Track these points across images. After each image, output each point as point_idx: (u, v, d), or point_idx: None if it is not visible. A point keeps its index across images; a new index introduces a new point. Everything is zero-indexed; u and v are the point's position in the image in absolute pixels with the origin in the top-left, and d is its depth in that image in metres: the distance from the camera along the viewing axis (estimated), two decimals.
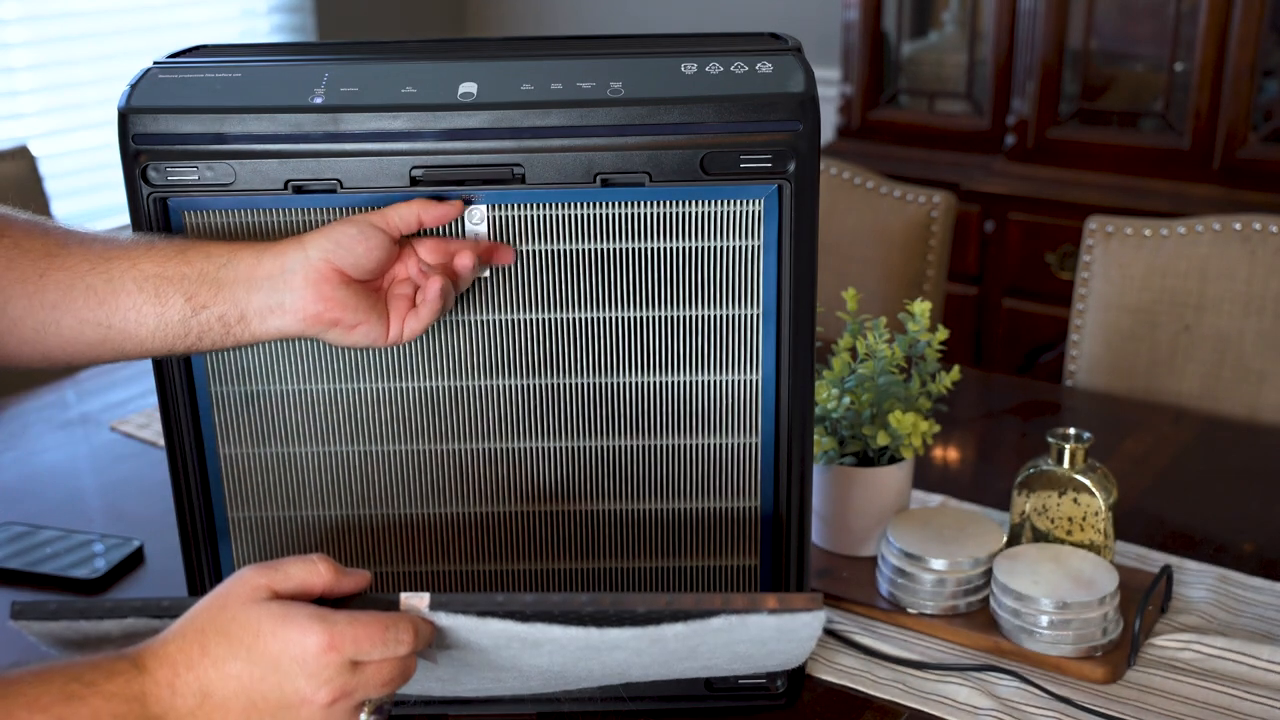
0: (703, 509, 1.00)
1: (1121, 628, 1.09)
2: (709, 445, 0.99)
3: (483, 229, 0.93)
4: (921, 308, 1.22)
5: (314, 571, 0.73)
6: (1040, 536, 1.18)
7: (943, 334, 1.22)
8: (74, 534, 1.30)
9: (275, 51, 0.97)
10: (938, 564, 1.12)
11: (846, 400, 1.21)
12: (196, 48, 1.02)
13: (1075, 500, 1.15)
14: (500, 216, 0.93)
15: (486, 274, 0.94)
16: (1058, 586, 1.08)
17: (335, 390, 0.98)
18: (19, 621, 0.77)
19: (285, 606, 0.71)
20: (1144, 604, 1.09)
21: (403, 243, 0.90)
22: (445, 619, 0.74)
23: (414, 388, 0.97)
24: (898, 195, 2.06)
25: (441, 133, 0.90)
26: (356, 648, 0.70)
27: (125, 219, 0.94)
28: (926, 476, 1.42)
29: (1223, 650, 1.09)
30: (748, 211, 0.92)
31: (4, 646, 1.14)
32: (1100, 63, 2.56)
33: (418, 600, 0.74)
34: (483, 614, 0.74)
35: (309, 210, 0.93)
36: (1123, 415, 1.64)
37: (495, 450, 0.99)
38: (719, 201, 0.92)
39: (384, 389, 0.97)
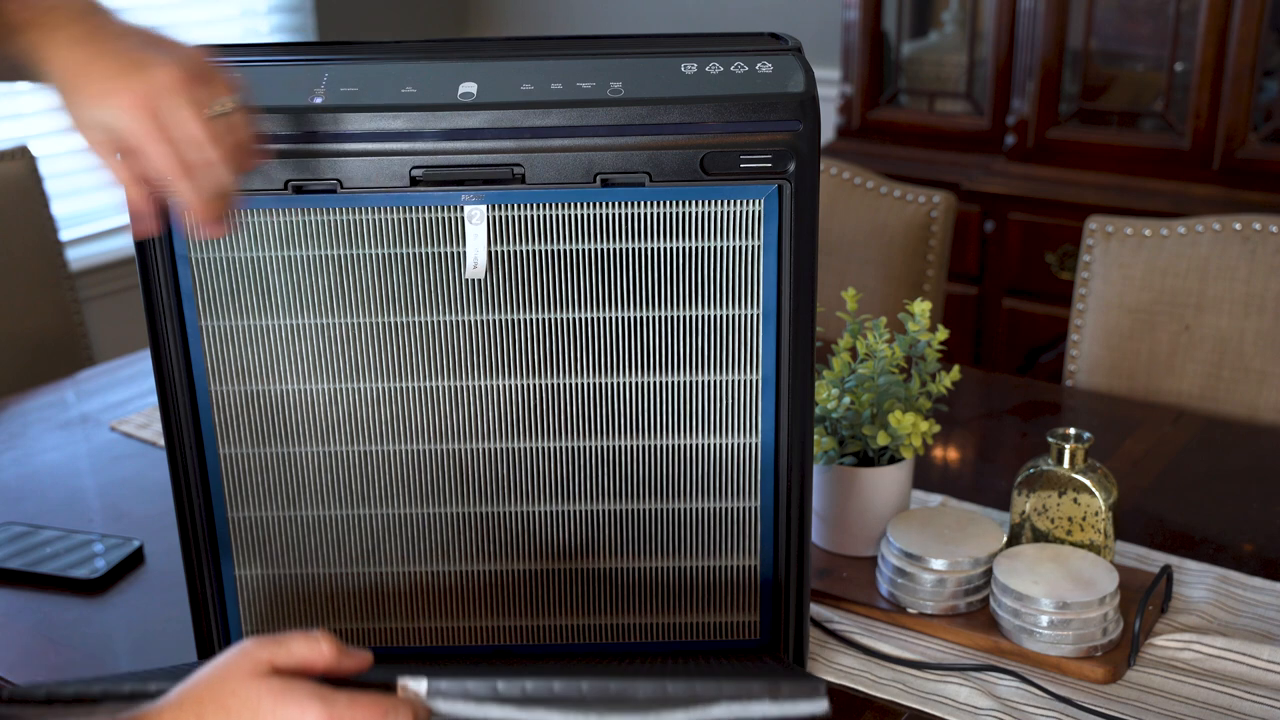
0: (703, 509, 1.00)
1: (1121, 628, 1.09)
2: (709, 445, 0.99)
3: (482, 229, 0.93)
4: (921, 308, 1.22)
5: (316, 650, 0.72)
6: (1040, 536, 1.18)
7: (943, 334, 1.22)
8: (74, 534, 1.30)
9: (275, 51, 0.97)
10: (938, 564, 1.12)
11: (846, 400, 1.21)
12: None
13: (1075, 500, 1.15)
14: (500, 216, 0.93)
15: (482, 275, 0.94)
16: (1058, 586, 1.08)
17: (335, 390, 0.98)
18: (8, 708, 0.76)
19: (286, 683, 0.70)
20: (1144, 604, 1.09)
21: None
22: (444, 706, 0.74)
23: (414, 388, 0.97)
24: (898, 195, 2.06)
25: (441, 133, 0.90)
26: None
27: (125, 219, 0.94)
28: (926, 476, 1.42)
29: (1223, 650, 1.09)
30: (748, 211, 0.92)
31: (4, 646, 1.14)
32: (1100, 63, 2.56)
33: (415, 685, 0.74)
34: (481, 700, 0.73)
35: (309, 210, 0.93)
36: (1123, 415, 1.64)
37: (495, 450, 0.99)
38: (719, 201, 0.92)
39: (384, 389, 0.98)
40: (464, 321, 0.96)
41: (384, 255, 0.94)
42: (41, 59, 0.81)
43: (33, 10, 0.81)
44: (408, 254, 0.94)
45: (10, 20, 0.81)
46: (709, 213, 0.92)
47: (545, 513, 1.01)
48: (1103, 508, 1.15)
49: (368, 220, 0.93)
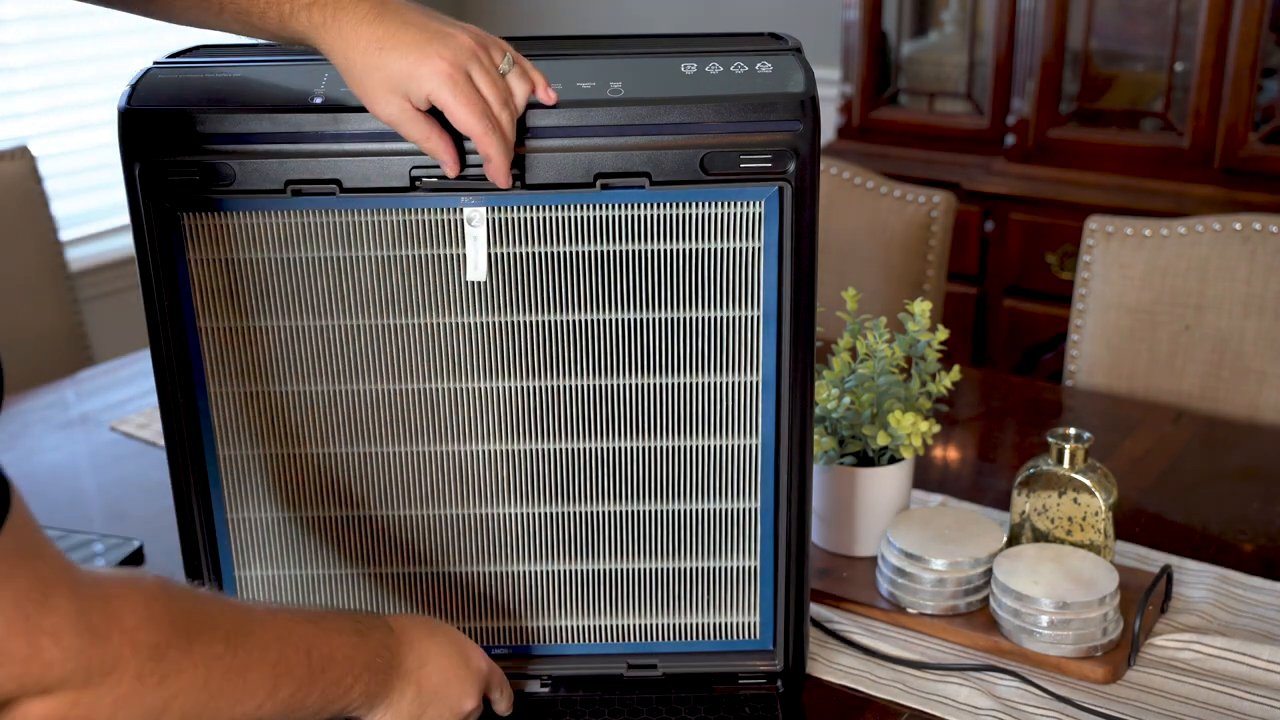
0: (703, 510, 1.00)
1: (1121, 628, 1.09)
2: (709, 446, 0.99)
3: (482, 231, 0.93)
4: (921, 308, 1.22)
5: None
6: (1040, 536, 1.18)
7: (943, 334, 1.22)
8: (74, 534, 1.30)
9: (275, 51, 0.97)
10: (938, 564, 1.12)
11: (846, 400, 1.21)
12: (196, 48, 1.02)
13: (1075, 500, 1.15)
14: (500, 219, 0.93)
15: (484, 278, 0.94)
16: (1058, 586, 1.08)
17: (336, 391, 0.98)
18: None
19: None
20: (1144, 604, 1.09)
21: None
22: None
23: (414, 389, 0.97)
24: (898, 195, 2.06)
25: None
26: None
27: (125, 219, 0.94)
28: (926, 476, 1.42)
29: (1223, 650, 1.09)
30: (748, 213, 0.92)
31: None
32: (1100, 63, 2.55)
33: None
34: None
35: (309, 212, 0.93)
36: (1123, 415, 1.64)
37: (495, 452, 0.99)
38: (719, 203, 0.92)
39: (384, 390, 0.97)
40: (464, 324, 0.96)
41: (384, 257, 0.94)
42: (330, 38, 0.86)
43: None
44: (408, 256, 0.94)
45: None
46: (709, 215, 0.92)
47: (546, 514, 1.01)
48: (1103, 508, 1.15)
49: (368, 222, 0.93)
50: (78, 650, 0.63)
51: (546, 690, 1.04)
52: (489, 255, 0.94)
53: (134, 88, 0.93)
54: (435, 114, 0.87)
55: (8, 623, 0.61)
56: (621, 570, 1.02)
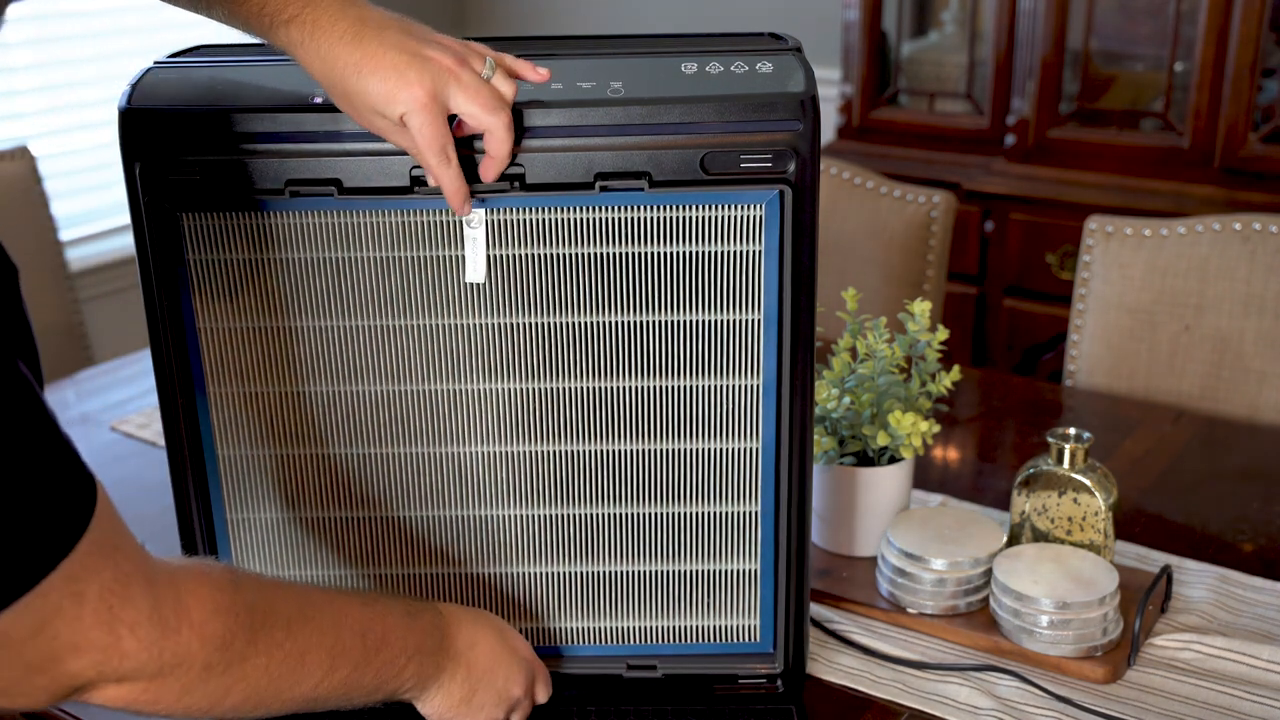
0: (703, 513, 1.00)
1: (1121, 628, 1.09)
2: (709, 450, 0.98)
3: (481, 233, 0.93)
4: (921, 308, 1.22)
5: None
6: (1040, 536, 1.18)
7: (943, 334, 1.22)
8: None
9: (275, 51, 0.97)
10: (938, 564, 1.12)
11: (846, 400, 1.20)
12: (196, 48, 1.02)
13: (1075, 500, 1.15)
14: (500, 220, 0.93)
15: (483, 280, 0.94)
16: (1058, 586, 1.08)
17: (336, 393, 0.98)
18: None
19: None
20: (1144, 604, 1.09)
21: None
22: None
23: (415, 391, 0.97)
24: (898, 195, 2.06)
25: None
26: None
27: (125, 219, 0.94)
28: (926, 476, 1.42)
29: (1223, 650, 1.09)
30: (748, 216, 0.92)
31: None
32: (1100, 63, 2.55)
33: None
34: None
35: (308, 213, 0.93)
36: (1123, 415, 1.64)
37: (496, 454, 0.99)
38: (719, 206, 0.92)
39: (384, 391, 0.97)
40: (464, 325, 0.95)
41: (384, 258, 0.94)
42: (309, 57, 0.85)
43: (295, 5, 0.85)
44: (407, 257, 0.94)
45: (276, 14, 0.85)
46: (709, 217, 0.92)
47: (546, 516, 1.01)
48: (1103, 508, 1.15)
49: (367, 223, 0.93)
50: (151, 642, 0.68)
51: None
52: (488, 257, 0.94)
53: (134, 88, 0.93)
54: None
55: (94, 614, 0.65)
56: (622, 573, 1.02)
